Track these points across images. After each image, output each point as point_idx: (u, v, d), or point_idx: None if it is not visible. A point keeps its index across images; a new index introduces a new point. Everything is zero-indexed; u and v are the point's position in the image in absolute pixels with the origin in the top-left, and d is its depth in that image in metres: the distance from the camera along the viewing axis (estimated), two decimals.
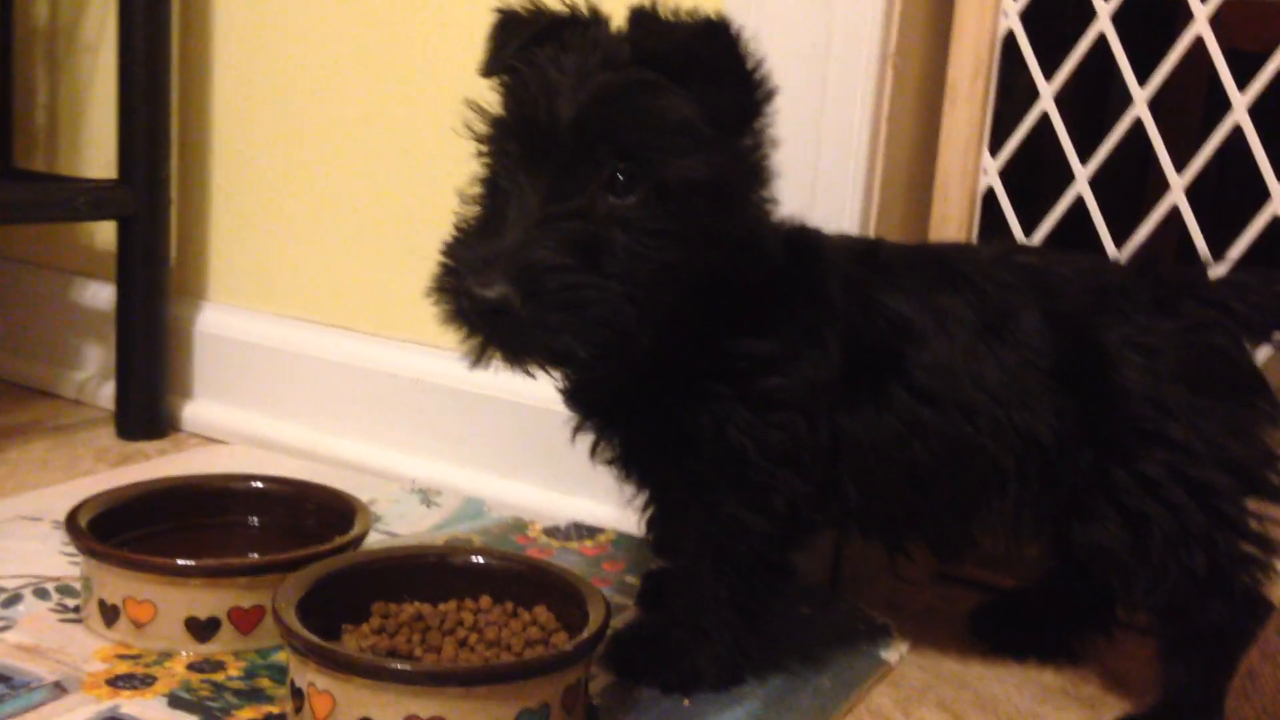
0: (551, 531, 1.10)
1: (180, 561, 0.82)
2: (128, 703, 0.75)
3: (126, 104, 1.25)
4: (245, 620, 0.83)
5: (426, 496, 1.17)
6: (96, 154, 1.41)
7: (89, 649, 0.82)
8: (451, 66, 1.16)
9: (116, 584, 0.82)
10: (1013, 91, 1.08)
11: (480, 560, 0.85)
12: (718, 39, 0.71)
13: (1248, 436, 0.79)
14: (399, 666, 0.70)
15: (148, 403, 1.31)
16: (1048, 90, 0.99)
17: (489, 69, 0.76)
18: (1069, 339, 0.80)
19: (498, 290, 0.67)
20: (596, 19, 0.76)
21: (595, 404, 0.83)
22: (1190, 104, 1.61)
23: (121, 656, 0.81)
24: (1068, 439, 0.79)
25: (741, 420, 0.77)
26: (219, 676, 0.79)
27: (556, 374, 0.79)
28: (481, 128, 0.75)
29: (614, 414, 0.82)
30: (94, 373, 1.44)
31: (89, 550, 0.83)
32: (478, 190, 0.76)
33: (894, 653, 0.91)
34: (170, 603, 0.81)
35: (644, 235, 0.70)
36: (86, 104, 1.42)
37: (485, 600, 0.83)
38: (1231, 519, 0.78)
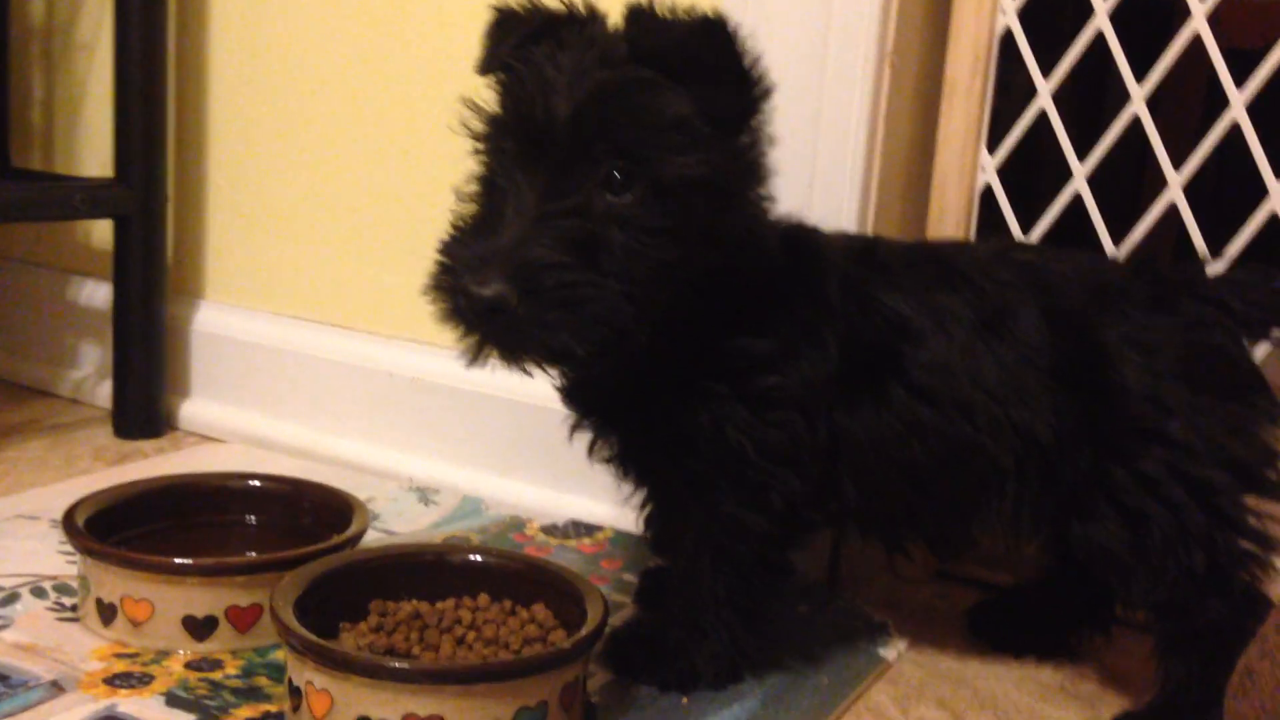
0: (549, 529, 1.10)
1: (177, 560, 0.82)
2: (125, 701, 0.75)
3: (123, 102, 1.25)
4: (243, 619, 0.82)
5: (424, 495, 1.17)
6: (93, 153, 1.41)
7: (86, 648, 0.82)
8: (450, 64, 1.16)
9: (114, 583, 0.82)
10: (1011, 89, 1.08)
11: (478, 558, 0.85)
12: (715, 36, 0.71)
13: (1247, 434, 0.79)
14: (397, 665, 0.70)
15: (145, 402, 1.31)
16: (1045, 88, 0.99)
17: (485, 67, 0.76)
18: (1067, 337, 0.80)
19: (494, 288, 0.67)
20: (593, 16, 0.75)
21: (593, 402, 0.83)
22: (1188, 102, 1.61)
23: (119, 655, 0.81)
24: (1066, 437, 0.79)
25: (740, 419, 0.77)
26: (216, 675, 0.79)
27: (554, 372, 0.79)
28: (478, 126, 0.74)
29: (612, 412, 0.82)
30: (91, 372, 1.43)
31: (86, 549, 0.83)
32: (474, 188, 0.75)
33: (892, 650, 0.91)
34: (167, 601, 0.81)
35: (641, 233, 0.70)
36: (83, 103, 1.42)
37: (483, 598, 0.83)
38: (1230, 517, 0.78)
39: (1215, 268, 0.87)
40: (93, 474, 1.18)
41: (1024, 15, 0.99)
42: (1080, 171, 0.98)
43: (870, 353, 0.80)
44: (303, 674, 0.70)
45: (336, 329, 1.27)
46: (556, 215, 0.69)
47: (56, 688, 0.76)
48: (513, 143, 0.72)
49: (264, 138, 1.29)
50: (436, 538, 1.06)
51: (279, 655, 0.80)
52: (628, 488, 0.86)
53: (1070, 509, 0.81)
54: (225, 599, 0.82)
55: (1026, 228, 1.02)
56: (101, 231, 1.40)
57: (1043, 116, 1.00)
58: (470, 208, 0.75)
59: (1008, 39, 1.00)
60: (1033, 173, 1.19)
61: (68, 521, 0.86)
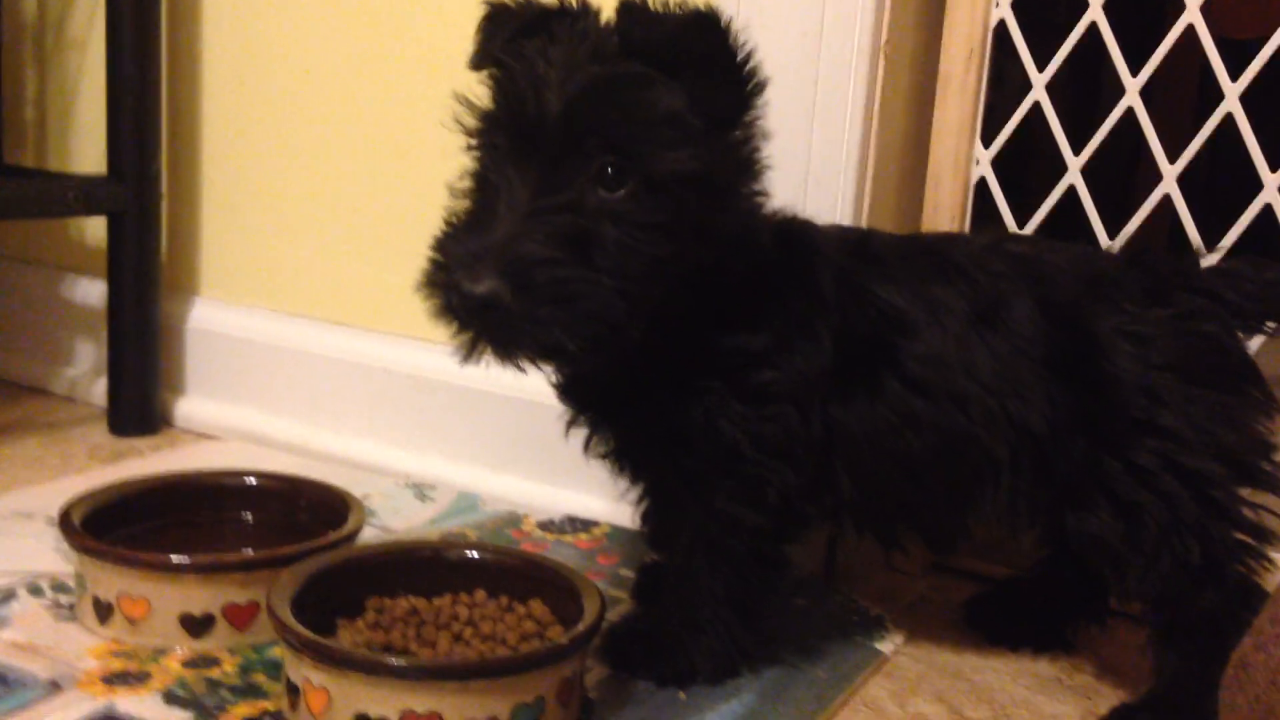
0: (546, 525, 1.10)
1: (174, 558, 0.82)
2: (122, 700, 0.75)
3: (115, 99, 1.25)
4: (240, 616, 0.82)
5: (420, 491, 1.17)
6: (86, 149, 1.41)
7: (83, 646, 0.82)
8: (445, 58, 1.16)
9: (110, 581, 0.82)
10: (1005, 81, 1.08)
11: (475, 554, 0.85)
12: (707, 30, 0.71)
13: (1240, 425, 0.79)
14: (394, 662, 0.70)
15: (140, 399, 1.31)
16: (1040, 80, 0.99)
17: (477, 62, 0.76)
18: (1061, 328, 0.80)
19: (487, 285, 0.66)
20: (585, 11, 0.75)
21: (588, 398, 0.83)
22: (1182, 93, 1.61)
23: (116, 653, 0.81)
24: (1060, 428, 0.80)
25: (734, 414, 0.77)
26: (214, 673, 0.79)
27: (548, 368, 0.79)
28: (470, 121, 0.74)
29: (607, 408, 0.82)
30: (86, 369, 1.43)
31: (83, 547, 0.83)
32: (467, 184, 0.75)
33: (889, 644, 0.91)
34: (164, 599, 0.81)
35: (634, 229, 0.70)
36: (76, 99, 1.42)
37: (480, 594, 0.83)
38: (1224, 507, 0.78)
39: (1209, 259, 0.87)
40: (88, 472, 1.18)
41: (1018, 7, 0.99)
42: (1074, 163, 0.98)
43: (864, 345, 0.80)
44: (300, 671, 0.70)
45: (332, 325, 1.27)
46: (549, 211, 0.69)
47: (54, 686, 0.76)
48: (505, 138, 0.71)
49: (258, 133, 1.29)
50: (433, 534, 1.06)
51: (276, 652, 0.80)
52: (624, 483, 0.86)
53: (1064, 500, 0.81)
54: (222, 596, 0.82)
55: (1021, 219, 1.02)
56: (95, 228, 1.39)
57: (1037, 108, 1.00)
58: (463, 204, 0.75)
59: (1002, 31, 1.00)
60: (1027, 164, 1.19)
61: (64, 519, 0.85)
